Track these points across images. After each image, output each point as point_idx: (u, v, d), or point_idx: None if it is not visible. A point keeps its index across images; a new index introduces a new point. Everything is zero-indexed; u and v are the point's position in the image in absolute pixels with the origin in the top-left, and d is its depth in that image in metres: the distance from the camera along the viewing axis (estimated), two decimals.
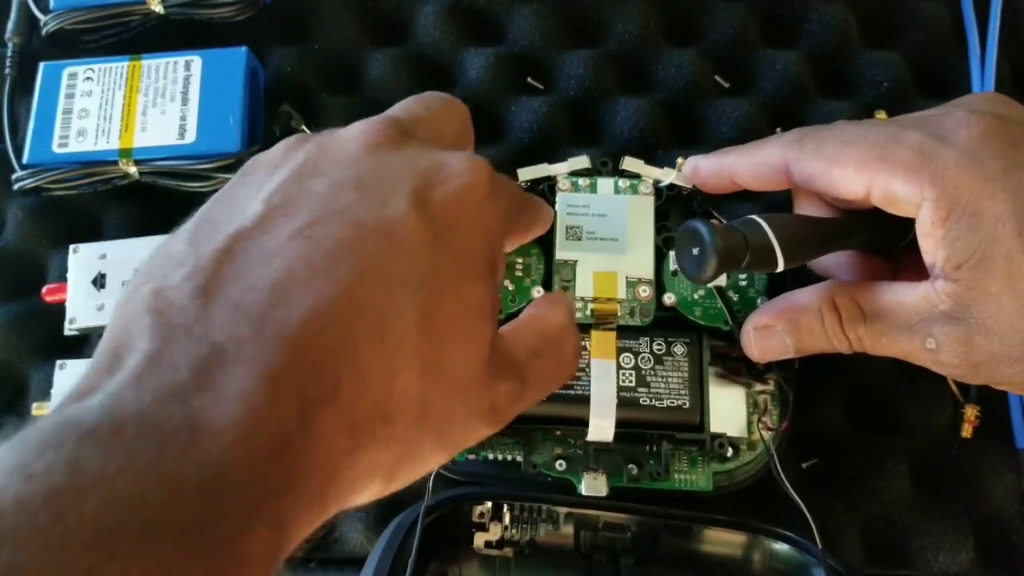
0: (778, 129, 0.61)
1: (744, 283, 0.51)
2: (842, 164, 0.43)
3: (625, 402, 0.48)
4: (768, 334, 0.47)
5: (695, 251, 0.41)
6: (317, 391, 0.27)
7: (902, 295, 0.44)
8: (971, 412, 0.54)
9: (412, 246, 0.31)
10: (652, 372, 0.48)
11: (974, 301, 0.41)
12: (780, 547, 0.48)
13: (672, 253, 0.51)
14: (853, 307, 0.45)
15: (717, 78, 0.64)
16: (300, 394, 0.26)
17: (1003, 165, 0.40)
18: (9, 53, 0.65)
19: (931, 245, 0.42)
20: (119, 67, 0.62)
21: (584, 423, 0.47)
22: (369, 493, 0.31)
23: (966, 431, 0.55)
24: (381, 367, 0.29)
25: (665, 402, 0.48)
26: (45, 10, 0.63)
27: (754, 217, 0.43)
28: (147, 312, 0.27)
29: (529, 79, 0.65)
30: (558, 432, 0.49)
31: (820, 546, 0.45)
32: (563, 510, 0.49)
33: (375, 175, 0.32)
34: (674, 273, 0.51)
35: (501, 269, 0.36)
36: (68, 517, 0.21)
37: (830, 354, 0.54)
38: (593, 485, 0.48)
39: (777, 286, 0.51)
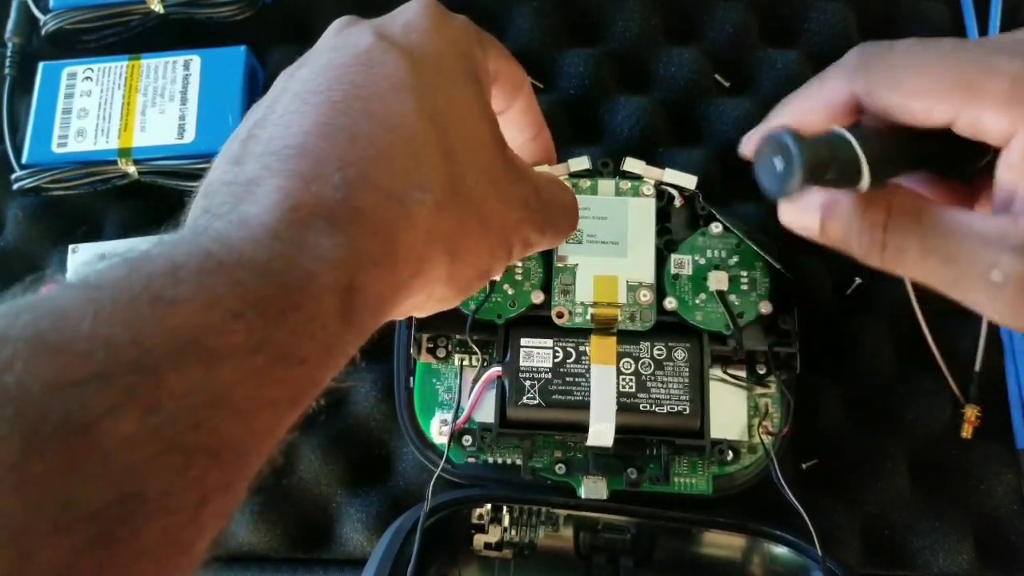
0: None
1: (745, 287, 0.49)
2: (923, 96, 0.37)
3: (625, 407, 0.46)
4: (803, 204, 0.40)
5: (778, 163, 0.36)
6: (351, 175, 0.31)
7: (973, 220, 0.36)
8: (971, 412, 0.53)
9: (389, 63, 0.34)
10: (652, 377, 0.47)
11: None
12: (779, 550, 0.47)
13: (673, 256, 0.50)
14: (909, 208, 0.37)
15: (717, 77, 0.63)
16: (328, 180, 0.30)
17: None
18: (9, 53, 0.64)
19: (1015, 177, 0.36)
20: (118, 67, 0.61)
21: (584, 428, 0.46)
22: (438, 268, 0.34)
23: (966, 431, 0.53)
24: (404, 152, 0.33)
25: (665, 408, 0.46)
26: (45, 10, 0.62)
27: (838, 130, 0.38)
28: (200, 197, 0.33)
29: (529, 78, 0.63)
30: (558, 436, 0.48)
31: (820, 550, 0.44)
32: (562, 512, 0.48)
33: (346, 43, 0.36)
34: (675, 277, 0.49)
35: (486, 83, 0.40)
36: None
37: (832, 348, 0.54)
38: (593, 489, 0.46)
39: (779, 288, 0.49)
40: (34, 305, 0.23)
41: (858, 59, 0.40)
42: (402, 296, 0.34)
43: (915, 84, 0.37)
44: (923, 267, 0.37)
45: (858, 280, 0.57)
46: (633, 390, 0.47)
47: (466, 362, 0.50)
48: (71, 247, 0.58)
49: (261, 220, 0.28)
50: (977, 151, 0.39)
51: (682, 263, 0.49)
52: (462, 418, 0.47)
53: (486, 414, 0.47)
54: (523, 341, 0.47)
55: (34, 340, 0.22)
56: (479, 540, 0.47)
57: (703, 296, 0.49)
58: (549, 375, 0.47)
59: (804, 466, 0.54)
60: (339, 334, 0.29)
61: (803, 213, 0.40)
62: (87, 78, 0.61)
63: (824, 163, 0.34)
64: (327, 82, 0.34)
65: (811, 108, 0.41)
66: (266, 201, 0.29)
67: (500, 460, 0.48)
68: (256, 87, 0.62)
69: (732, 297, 0.49)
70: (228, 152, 0.34)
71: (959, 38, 0.39)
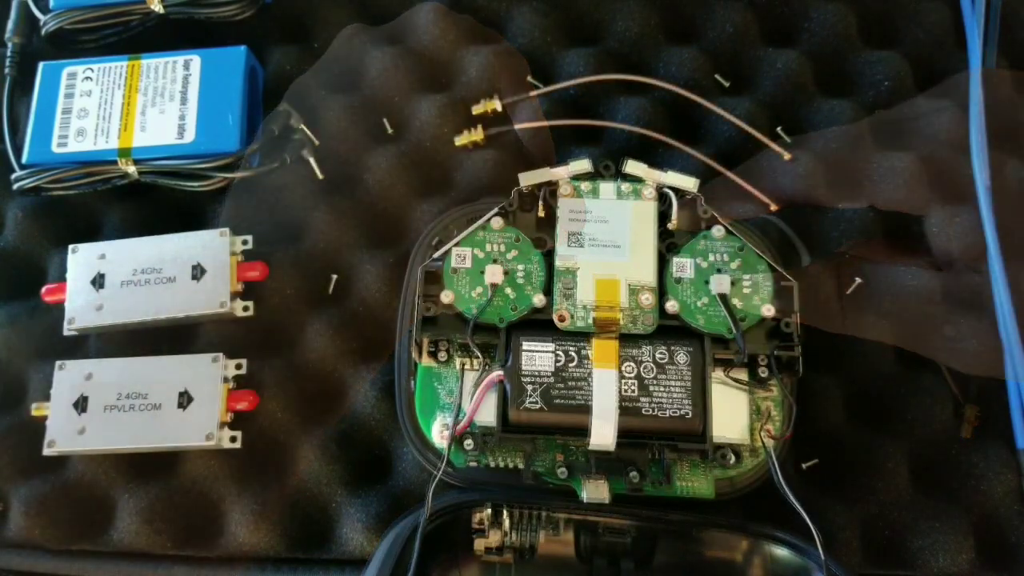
0: (779, 129, 0.60)
1: (748, 290, 0.48)
2: None
3: (627, 410, 0.45)
4: None
5: None
6: None
7: None
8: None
9: None
10: (655, 381, 0.46)
11: None
12: (780, 551, 0.47)
13: (675, 258, 0.49)
14: None
15: (717, 77, 0.63)
16: None
17: None
18: (9, 53, 0.63)
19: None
20: (118, 67, 0.60)
21: (586, 431, 0.45)
22: None
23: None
24: None
25: (667, 411, 0.45)
26: (45, 10, 0.61)
27: None
28: None
29: (529, 78, 0.63)
30: (559, 439, 0.47)
31: (822, 554, 0.43)
32: (563, 515, 0.47)
33: None
34: (677, 280, 0.48)
35: None
36: None
37: (832, 348, 0.54)
38: (595, 492, 0.46)
39: (781, 293, 0.48)
40: None
41: None
42: None
43: None
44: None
45: (858, 280, 0.56)
46: (635, 393, 0.46)
47: (467, 365, 0.49)
48: (71, 247, 0.57)
49: None
50: None
51: (684, 266, 0.49)
52: (463, 421, 0.46)
53: (487, 417, 0.46)
54: (525, 344, 0.47)
55: None
56: (479, 543, 0.46)
57: (705, 299, 0.48)
58: (551, 378, 0.46)
59: (804, 466, 0.53)
60: None
61: None
62: (87, 78, 0.60)
63: None
64: None
65: None
66: None
67: (502, 463, 0.47)
68: (256, 87, 0.61)
69: (734, 300, 0.48)
70: None
71: None
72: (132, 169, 0.57)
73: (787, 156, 0.58)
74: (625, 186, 0.51)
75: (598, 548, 0.47)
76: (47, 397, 0.54)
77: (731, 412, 0.48)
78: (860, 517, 0.52)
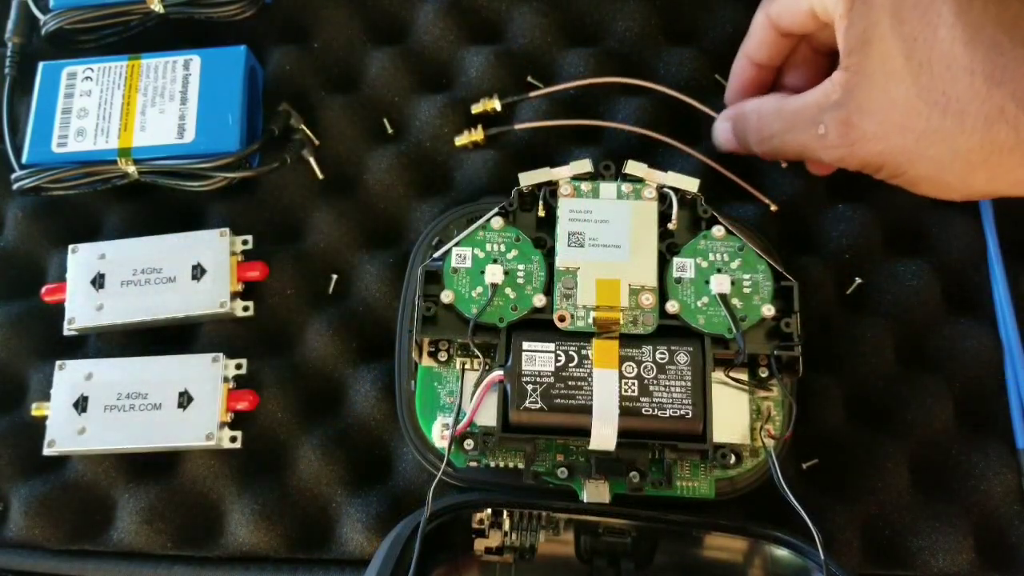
0: None
1: (748, 290, 0.48)
2: None
3: (628, 411, 0.45)
4: (725, 128, 0.56)
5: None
6: None
7: (808, 94, 0.49)
8: None
9: None
10: (655, 381, 0.46)
11: (856, 84, 0.46)
12: (781, 552, 0.46)
13: (675, 259, 0.49)
14: (772, 110, 0.52)
15: (717, 77, 0.62)
16: None
17: None
18: (9, 53, 0.62)
19: (839, 40, 0.47)
20: (118, 67, 0.59)
21: (586, 432, 0.45)
22: None
23: None
24: None
25: (668, 412, 0.45)
26: (45, 10, 0.61)
27: None
28: None
29: (529, 78, 0.63)
30: (560, 440, 0.47)
31: (822, 554, 0.43)
32: (563, 516, 0.47)
33: None
34: (677, 280, 0.48)
35: None
36: None
37: (832, 348, 0.55)
38: (595, 493, 0.45)
39: (781, 292, 0.48)
40: None
41: None
42: None
43: None
44: (787, 146, 0.51)
45: (858, 280, 0.56)
46: (635, 394, 0.45)
47: (468, 366, 0.49)
48: (71, 247, 0.57)
49: None
50: None
51: (684, 266, 0.48)
52: (464, 422, 0.46)
53: (488, 418, 0.46)
54: (525, 345, 0.46)
55: None
56: (480, 544, 0.46)
57: (705, 299, 0.48)
58: (551, 379, 0.45)
59: (804, 466, 0.53)
60: None
61: (723, 135, 0.56)
62: (87, 78, 0.59)
63: None
64: None
65: (754, 43, 0.55)
66: None
67: (502, 464, 0.47)
68: (256, 87, 0.61)
69: (734, 300, 0.48)
70: None
71: None
72: (132, 169, 0.57)
73: (784, 163, 0.58)
74: (626, 186, 0.50)
75: (598, 549, 0.47)
76: (47, 397, 0.54)
77: (731, 412, 0.47)
78: (860, 517, 0.52)
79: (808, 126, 0.49)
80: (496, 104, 0.60)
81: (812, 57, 0.55)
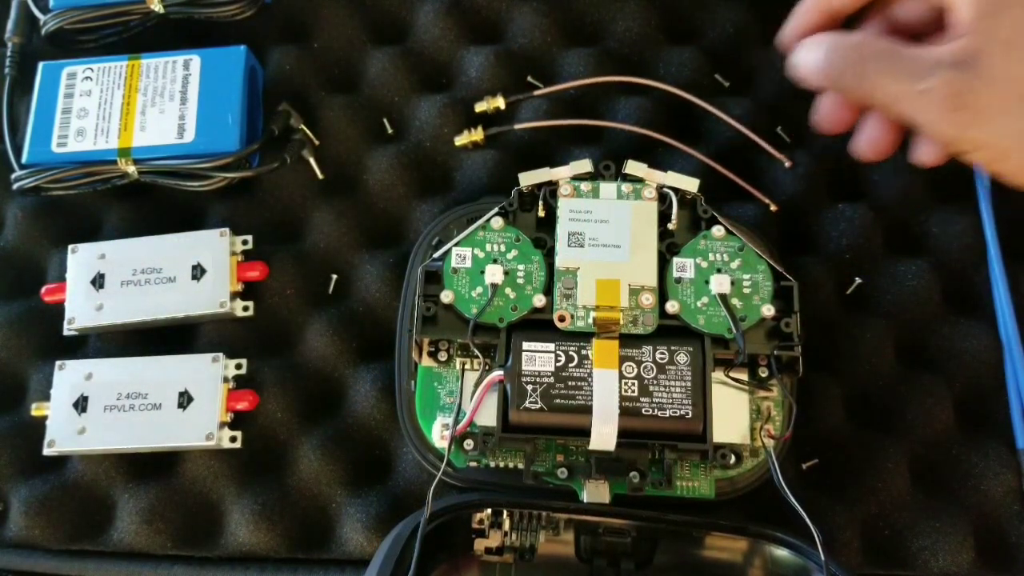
0: (779, 129, 0.60)
1: (748, 290, 0.48)
2: None
3: (628, 411, 0.45)
4: (815, 57, 0.50)
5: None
6: None
7: (921, 50, 0.46)
8: None
9: None
10: (655, 381, 0.45)
11: (983, 50, 0.44)
12: (781, 552, 0.46)
13: (675, 259, 0.49)
14: (883, 50, 0.47)
15: (717, 77, 0.62)
16: None
17: None
18: (9, 53, 0.62)
19: (961, 3, 0.45)
20: (118, 66, 0.59)
21: (586, 432, 0.45)
22: None
23: None
24: None
25: (668, 412, 0.45)
26: (45, 10, 0.60)
27: None
28: None
29: (529, 78, 0.63)
30: (560, 440, 0.47)
31: (823, 554, 0.43)
32: (563, 516, 0.46)
33: None
34: (677, 280, 0.48)
35: None
36: None
37: (832, 348, 0.54)
38: (595, 493, 0.45)
39: (781, 292, 0.48)
40: None
41: None
42: None
43: None
44: (882, 87, 0.47)
45: (858, 280, 0.56)
46: (635, 394, 0.45)
47: (468, 366, 0.49)
48: (71, 247, 0.57)
49: None
50: None
51: (684, 266, 0.48)
52: (464, 422, 0.46)
53: (488, 418, 0.46)
54: (525, 345, 0.46)
55: None
56: (480, 544, 0.46)
57: (705, 299, 0.48)
58: (551, 379, 0.45)
59: (804, 466, 0.53)
60: None
61: (806, 54, 0.50)
62: (87, 78, 0.59)
63: None
64: None
65: None
66: None
67: (502, 464, 0.47)
68: (256, 87, 0.61)
69: (734, 300, 0.48)
70: None
71: None
72: (132, 169, 0.56)
73: (788, 163, 0.58)
74: (626, 186, 0.50)
75: (598, 549, 0.47)
76: (47, 397, 0.54)
77: (731, 412, 0.47)
78: (860, 517, 0.52)
79: (915, 79, 0.45)
80: (500, 103, 0.60)
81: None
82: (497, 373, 0.46)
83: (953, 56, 0.44)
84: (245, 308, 0.56)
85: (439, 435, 0.47)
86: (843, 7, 0.52)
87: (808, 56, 0.50)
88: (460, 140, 0.60)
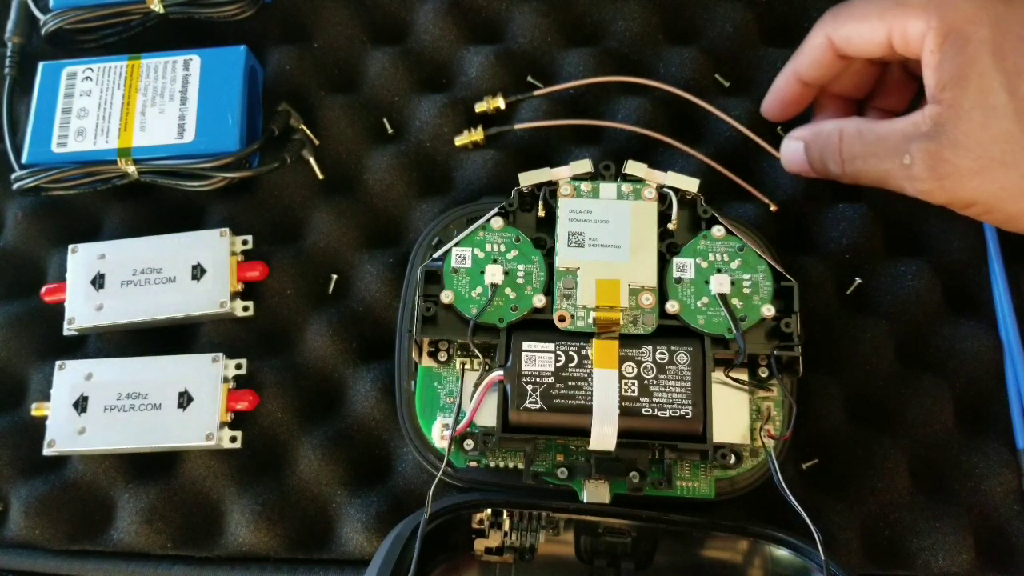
0: (779, 129, 0.60)
1: (748, 290, 0.48)
2: (867, 18, 0.49)
3: (627, 411, 0.45)
4: (796, 148, 0.54)
5: None
6: None
7: (896, 122, 0.48)
8: None
9: None
10: (655, 381, 0.45)
11: (949, 119, 0.45)
12: (781, 552, 0.46)
13: (675, 259, 0.48)
14: (855, 133, 0.50)
15: (717, 77, 0.62)
16: None
17: None
18: (9, 53, 0.62)
19: (928, 74, 0.47)
20: (118, 66, 0.59)
21: (586, 432, 0.45)
22: None
23: None
24: None
25: (668, 412, 0.45)
26: (45, 10, 0.60)
27: None
28: None
29: (529, 78, 0.62)
30: (560, 440, 0.47)
31: (823, 554, 0.43)
32: (563, 516, 0.46)
33: None
34: (677, 280, 0.48)
35: None
36: None
37: (832, 348, 0.55)
38: (595, 493, 0.45)
39: (781, 292, 0.48)
40: None
41: (827, 12, 0.52)
42: None
43: (863, 11, 0.50)
44: (869, 171, 0.50)
45: (858, 280, 0.56)
46: (635, 394, 0.45)
47: (468, 366, 0.49)
48: (71, 247, 0.56)
49: None
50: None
51: (684, 266, 0.48)
52: (464, 422, 0.46)
53: (488, 418, 0.46)
54: (525, 345, 0.46)
55: None
56: (480, 544, 0.46)
57: (705, 299, 0.47)
58: (551, 379, 0.45)
59: (804, 466, 0.53)
60: None
61: (792, 153, 0.54)
62: (87, 78, 0.59)
63: None
64: None
65: (799, 65, 0.54)
66: None
67: (502, 464, 0.47)
68: (256, 87, 0.60)
69: (734, 300, 0.48)
70: None
71: None
72: (132, 169, 0.56)
73: None
74: (626, 186, 0.50)
75: (598, 549, 0.47)
76: (47, 397, 0.54)
77: (731, 413, 0.47)
78: (860, 517, 0.52)
79: (892, 155, 0.48)
80: (500, 103, 0.60)
81: (904, 81, 0.55)
82: (497, 373, 0.46)
83: (925, 125, 0.46)
84: (245, 308, 0.56)
85: (439, 435, 0.47)
86: (813, 79, 0.55)
87: (789, 153, 0.55)
88: (460, 140, 0.60)
